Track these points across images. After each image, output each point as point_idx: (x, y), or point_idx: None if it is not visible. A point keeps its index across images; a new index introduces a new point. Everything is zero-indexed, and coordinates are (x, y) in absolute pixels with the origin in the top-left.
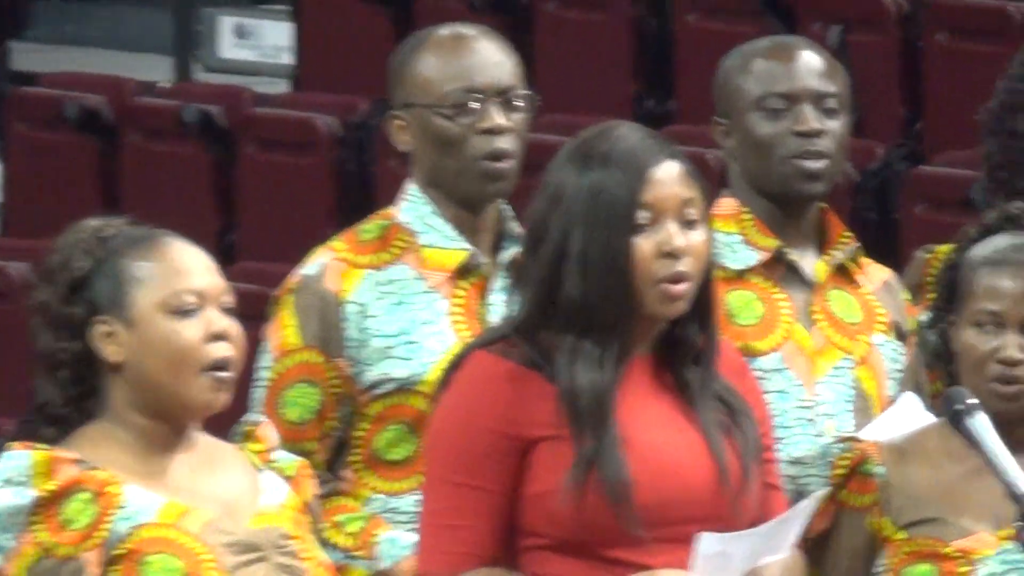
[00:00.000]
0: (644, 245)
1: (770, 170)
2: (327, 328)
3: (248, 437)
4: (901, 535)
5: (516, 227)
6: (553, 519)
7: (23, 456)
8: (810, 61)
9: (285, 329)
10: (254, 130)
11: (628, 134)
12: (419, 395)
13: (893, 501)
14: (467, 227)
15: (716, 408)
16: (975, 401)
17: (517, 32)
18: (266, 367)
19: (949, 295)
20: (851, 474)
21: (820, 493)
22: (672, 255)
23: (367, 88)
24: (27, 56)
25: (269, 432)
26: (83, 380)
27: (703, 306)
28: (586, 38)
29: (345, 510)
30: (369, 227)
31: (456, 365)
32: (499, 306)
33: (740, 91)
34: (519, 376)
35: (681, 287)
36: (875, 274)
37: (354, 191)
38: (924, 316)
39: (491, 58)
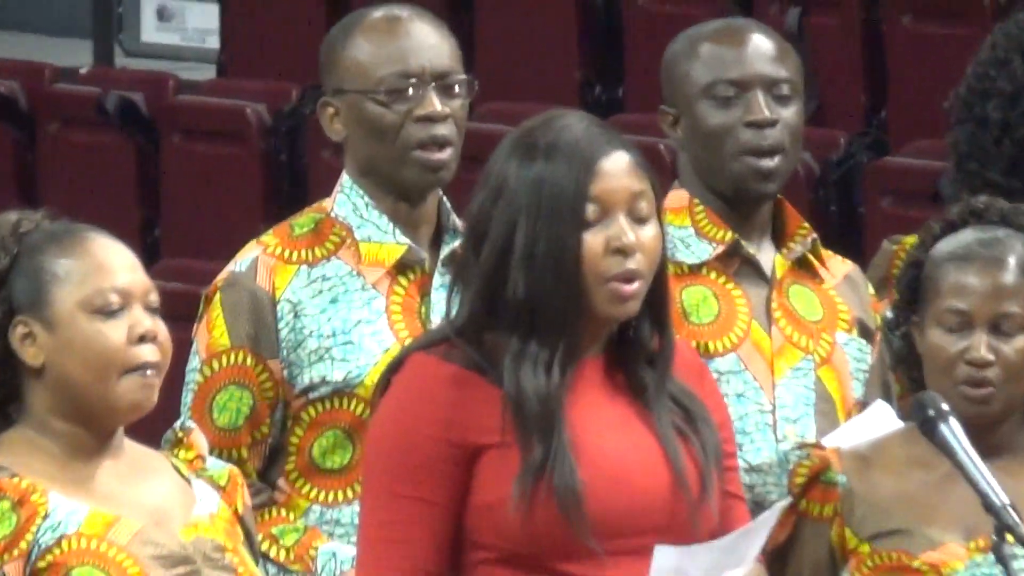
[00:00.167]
0: (593, 241)
1: (721, 165)
2: (258, 328)
3: (178, 444)
4: (865, 547)
5: (456, 221)
6: (501, 531)
7: None
8: (760, 45)
9: (214, 330)
10: (179, 118)
11: (574, 123)
12: (357, 399)
13: (856, 511)
14: (405, 220)
15: (672, 412)
16: (947, 407)
17: (456, 13)
18: (194, 370)
19: (912, 294)
20: (811, 483)
21: (782, 504)
22: (622, 252)
23: (298, 74)
24: None
25: (199, 439)
26: (3, 384)
27: (656, 304)
28: (530, 19)
29: (280, 522)
30: (302, 221)
31: (395, 368)
32: (441, 304)
33: (687, 78)
34: (462, 380)
35: (632, 286)
36: (837, 268)
37: (285, 183)
38: (890, 314)
39: (427, 40)
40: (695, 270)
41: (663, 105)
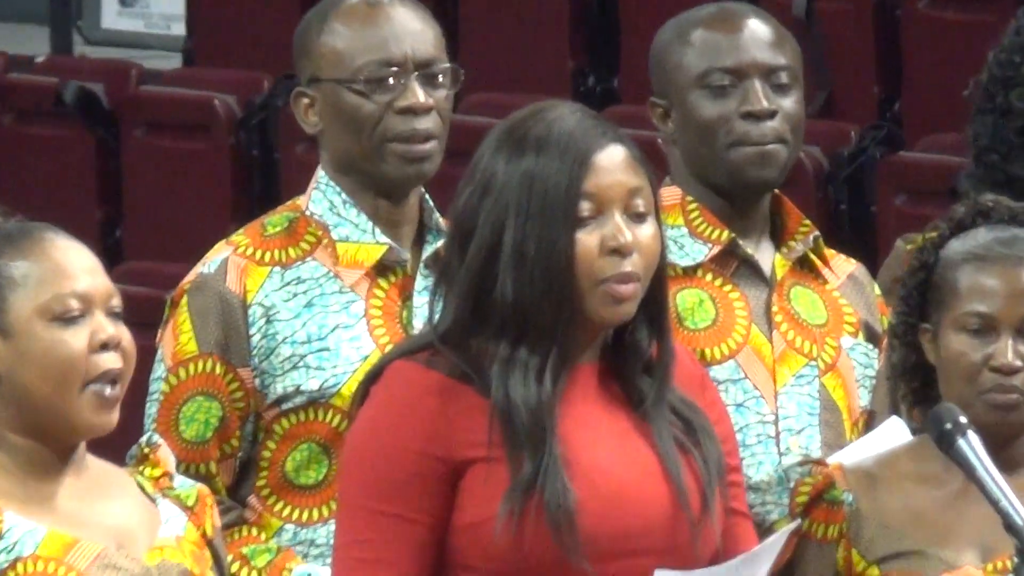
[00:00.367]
0: (587, 240)
1: (715, 157)
2: (228, 334)
3: (143, 461)
4: (874, 571)
5: (440, 219)
6: (488, 552)
7: None
8: (757, 30)
9: (181, 335)
10: (142, 111)
11: (567, 115)
12: (333, 410)
13: (864, 532)
14: (385, 219)
15: (672, 423)
16: (965, 420)
17: None
18: (159, 379)
19: (922, 300)
20: (814, 502)
21: (791, 526)
22: (618, 252)
23: (270, 63)
24: None
25: (166, 456)
26: None
27: (655, 308)
28: (519, 4)
29: (252, 542)
30: (275, 220)
31: (374, 376)
32: (423, 308)
33: (679, 67)
34: (446, 389)
35: (628, 288)
36: (840, 267)
37: (257, 179)
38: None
39: (409, 26)
40: (689, 272)
41: (653, 97)
